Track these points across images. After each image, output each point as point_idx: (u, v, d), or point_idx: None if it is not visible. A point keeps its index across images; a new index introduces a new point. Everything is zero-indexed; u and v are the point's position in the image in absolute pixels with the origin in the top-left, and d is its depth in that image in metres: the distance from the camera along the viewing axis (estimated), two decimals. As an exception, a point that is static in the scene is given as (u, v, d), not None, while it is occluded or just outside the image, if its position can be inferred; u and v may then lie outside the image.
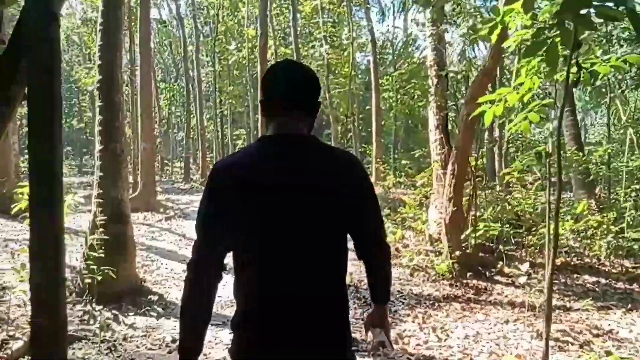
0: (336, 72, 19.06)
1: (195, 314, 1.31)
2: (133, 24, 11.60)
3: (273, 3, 18.64)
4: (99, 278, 4.56)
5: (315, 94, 1.40)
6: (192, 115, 23.78)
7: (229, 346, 1.36)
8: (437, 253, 6.69)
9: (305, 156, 1.32)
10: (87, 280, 4.62)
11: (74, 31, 22.45)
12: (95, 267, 4.59)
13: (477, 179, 6.39)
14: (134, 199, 10.42)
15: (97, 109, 5.23)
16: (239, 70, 23.38)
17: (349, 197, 1.33)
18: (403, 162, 18.47)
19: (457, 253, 5.91)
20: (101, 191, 4.99)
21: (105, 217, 4.89)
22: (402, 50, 23.71)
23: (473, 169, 6.35)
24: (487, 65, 6.14)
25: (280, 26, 22.30)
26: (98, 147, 5.12)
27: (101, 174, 5.03)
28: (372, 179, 17.11)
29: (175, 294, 5.12)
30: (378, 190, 14.23)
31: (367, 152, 20.59)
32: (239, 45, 20.90)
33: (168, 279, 5.64)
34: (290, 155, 1.30)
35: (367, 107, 22.68)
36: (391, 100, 19.61)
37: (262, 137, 1.39)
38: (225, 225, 1.27)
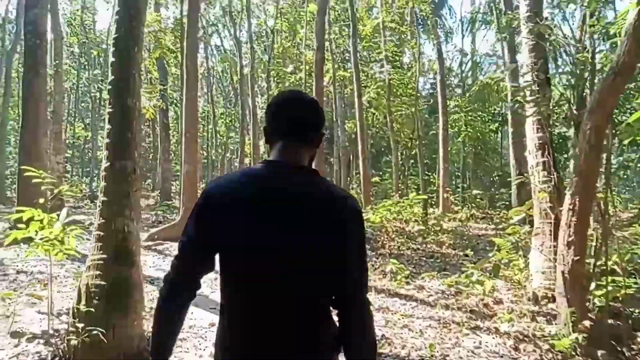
0: (398, 93, 17.64)
1: (163, 330, 1.34)
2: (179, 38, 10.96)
3: (333, 26, 17.78)
4: (87, 340, 3.33)
5: (319, 125, 1.41)
6: (247, 139, 23.19)
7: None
8: (548, 317, 4.93)
9: (297, 186, 1.28)
10: (73, 342, 3.39)
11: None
12: (82, 324, 3.37)
13: (607, 218, 4.62)
14: (175, 226, 9.43)
15: (107, 117, 4.11)
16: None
17: (333, 237, 1.26)
18: (474, 192, 16.46)
19: (586, 323, 4.14)
20: (103, 221, 3.81)
21: (104, 256, 3.68)
22: (470, 70, 21.94)
23: (602, 203, 4.59)
24: (622, 60, 4.46)
25: (339, 49, 21.39)
26: (104, 164, 3.99)
27: (104, 198, 3.87)
28: (439, 210, 15.39)
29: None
30: (450, 223, 12.58)
31: (432, 180, 18.82)
32: (296, 68, 20.10)
33: (187, 338, 4.31)
34: (280, 183, 1.28)
35: (431, 132, 20.98)
36: (460, 124, 17.79)
37: (262, 160, 1.39)
38: (205, 236, 1.27)
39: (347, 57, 21.65)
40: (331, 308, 1.33)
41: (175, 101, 22.59)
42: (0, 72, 19.14)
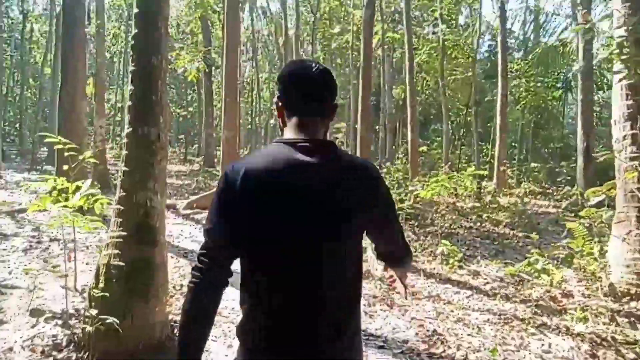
0: (452, 56, 16.35)
1: (196, 324, 1.24)
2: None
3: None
4: (102, 328, 2.99)
5: (333, 96, 1.37)
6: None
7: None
8: (632, 318, 4.20)
9: (322, 162, 1.25)
10: (88, 329, 3.07)
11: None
12: (97, 310, 3.03)
13: None
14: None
15: (130, 77, 3.66)
16: (342, 59, 21.68)
17: (368, 206, 1.29)
18: (532, 164, 15.26)
19: (689, 334, 3.40)
20: (123, 193, 3.42)
21: (123, 233, 3.30)
22: (533, 32, 20.09)
23: None
24: None
25: (390, 9, 20.09)
26: (126, 129, 3.57)
27: (125, 168, 3.46)
28: (493, 185, 14.38)
29: (219, 351, 3.43)
30: (507, 199, 11.64)
31: (485, 151, 17.65)
32: (343, 29, 19.08)
33: (216, 323, 3.93)
34: (306, 161, 1.24)
35: (486, 99, 19.56)
36: (520, 90, 16.36)
37: (278, 139, 1.32)
38: (234, 230, 1.22)
39: (396, 18, 20.34)
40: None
41: (219, 65, 22.26)
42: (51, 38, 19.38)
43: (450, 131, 18.76)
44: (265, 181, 1.21)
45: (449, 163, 16.08)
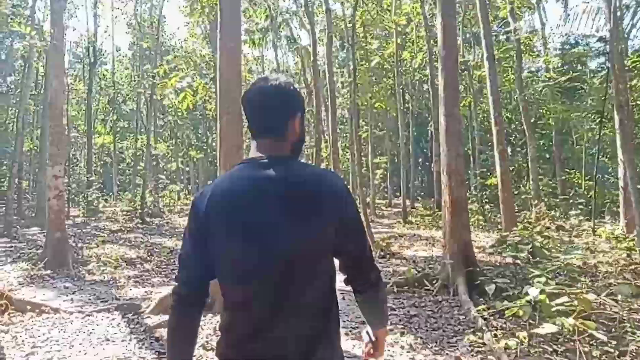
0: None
1: (180, 342, 1.32)
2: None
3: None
4: None
5: (288, 113, 1.34)
6: (323, 143, 19.13)
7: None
8: None
9: (282, 176, 1.26)
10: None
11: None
12: None
13: None
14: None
15: None
16: (377, 78, 18.19)
17: (330, 215, 1.26)
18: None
19: None
20: None
21: None
22: None
23: None
24: None
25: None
26: None
27: None
28: (619, 227, 10.13)
29: None
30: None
31: (572, 179, 13.45)
32: (385, 42, 15.67)
33: None
34: (265, 175, 1.26)
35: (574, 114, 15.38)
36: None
37: (242, 160, 1.37)
38: (204, 253, 1.26)
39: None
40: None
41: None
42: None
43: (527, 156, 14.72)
44: (228, 200, 1.23)
45: (541, 205, 11.96)
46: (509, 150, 16.08)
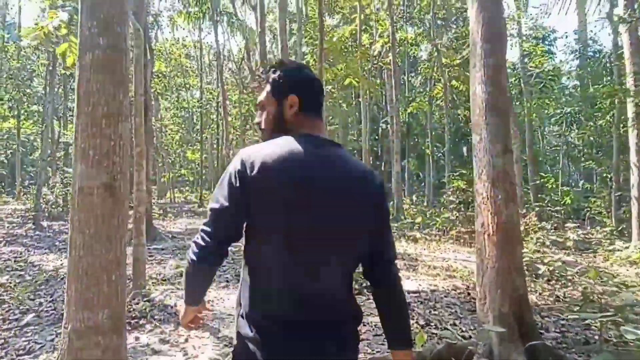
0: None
1: (195, 284, 1.38)
2: None
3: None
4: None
5: None
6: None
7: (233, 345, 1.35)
8: None
9: (336, 159, 1.32)
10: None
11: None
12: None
13: None
14: None
15: None
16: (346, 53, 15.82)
17: (370, 208, 1.33)
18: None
19: None
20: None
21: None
22: None
23: None
24: None
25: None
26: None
27: None
28: (633, 243, 8.57)
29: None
30: None
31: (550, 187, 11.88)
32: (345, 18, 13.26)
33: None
34: (323, 155, 1.30)
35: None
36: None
37: (294, 134, 1.33)
38: (239, 211, 1.26)
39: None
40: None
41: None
42: None
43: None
44: (276, 169, 1.22)
45: (530, 215, 10.15)
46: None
